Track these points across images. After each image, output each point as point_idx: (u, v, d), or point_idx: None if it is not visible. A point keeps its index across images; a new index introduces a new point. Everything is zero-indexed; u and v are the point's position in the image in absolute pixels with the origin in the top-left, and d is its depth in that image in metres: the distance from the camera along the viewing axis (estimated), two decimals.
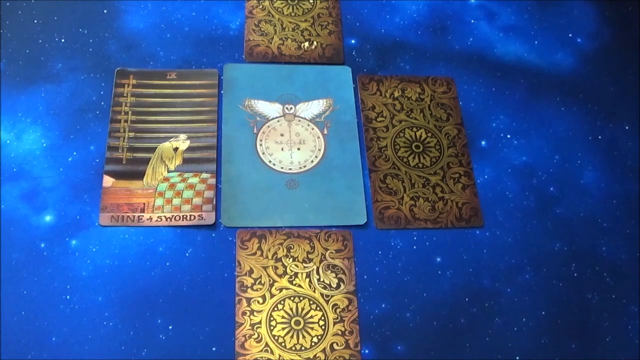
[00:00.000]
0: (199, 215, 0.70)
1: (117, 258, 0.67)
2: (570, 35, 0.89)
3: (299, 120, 0.78)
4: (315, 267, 0.68)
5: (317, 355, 0.64)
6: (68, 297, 0.64)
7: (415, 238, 0.71)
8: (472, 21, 0.88)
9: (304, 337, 0.64)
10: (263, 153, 0.75)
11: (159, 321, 0.64)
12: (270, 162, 0.74)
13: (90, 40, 0.80)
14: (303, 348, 0.64)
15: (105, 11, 0.83)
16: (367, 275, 0.69)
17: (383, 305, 0.67)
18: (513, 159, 0.78)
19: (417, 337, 0.66)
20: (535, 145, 0.79)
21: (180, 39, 0.82)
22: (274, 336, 0.64)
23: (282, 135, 0.76)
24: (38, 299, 0.64)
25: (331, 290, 0.67)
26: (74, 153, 0.72)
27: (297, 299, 0.66)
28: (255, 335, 0.64)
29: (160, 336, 0.64)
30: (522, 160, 0.78)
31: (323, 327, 0.65)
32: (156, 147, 0.74)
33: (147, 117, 0.76)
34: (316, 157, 0.75)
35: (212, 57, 0.81)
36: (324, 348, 0.64)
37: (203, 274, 0.67)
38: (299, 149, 0.76)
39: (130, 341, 0.63)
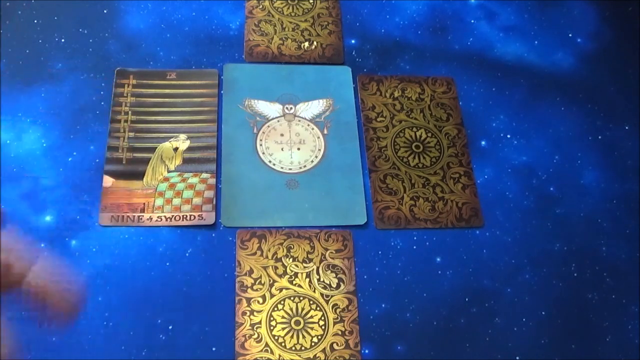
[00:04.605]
0: (199, 215, 0.70)
1: (117, 258, 0.67)
2: (570, 35, 0.89)
3: (299, 120, 0.78)
4: (315, 267, 0.68)
5: (317, 355, 0.64)
6: None
7: (415, 238, 0.71)
8: (472, 21, 0.88)
9: (304, 337, 0.64)
10: (263, 153, 0.75)
11: (159, 321, 0.64)
12: (270, 162, 0.74)
13: (90, 40, 0.80)
14: (303, 348, 0.64)
15: (105, 11, 0.83)
16: (367, 275, 0.69)
17: (383, 305, 0.67)
18: (513, 159, 0.78)
19: (417, 337, 0.66)
20: (535, 145, 0.79)
21: (180, 39, 0.82)
22: (274, 336, 0.64)
23: (282, 135, 0.77)
24: None
25: (331, 290, 0.67)
26: (74, 153, 0.72)
27: (297, 299, 0.66)
28: (255, 335, 0.64)
29: (160, 336, 0.64)
30: (522, 160, 0.78)
31: (323, 327, 0.65)
32: (156, 147, 0.74)
33: (147, 117, 0.76)
34: (316, 157, 0.75)
35: (212, 57, 0.81)
36: (324, 348, 0.64)
37: (203, 274, 0.67)
38: (299, 149, 0.76)
39: (130, 341, 0.63)
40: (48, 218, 0.68)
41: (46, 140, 0.73)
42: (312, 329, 0.65)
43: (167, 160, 0.73)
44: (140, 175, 0.72)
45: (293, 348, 0.64)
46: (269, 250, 0.69)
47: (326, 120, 0.78)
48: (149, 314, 0.64)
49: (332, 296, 0.67)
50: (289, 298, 0.66)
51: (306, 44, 0.83)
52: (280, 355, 0.63)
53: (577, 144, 0.80)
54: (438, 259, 0.70)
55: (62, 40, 0.80)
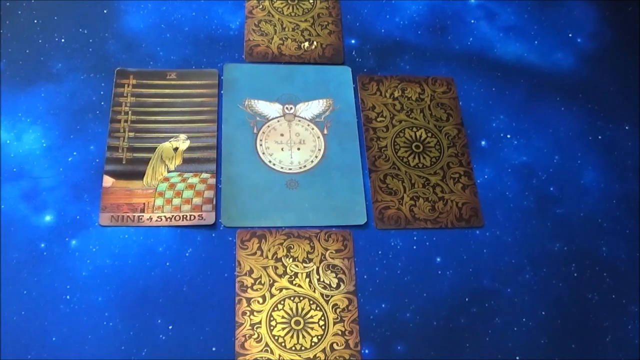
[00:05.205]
0: (199, 215, 0.70)
1: (117, 258, 0.67)
2: (570, 35, 0.89)
3: (299, 120, 0.78)
4: (315, 267, 0.68)
5: (317, 355, 0.64)
6: (68, 297, 0.64)
7: (415, 238, 0.71)
8: (472, 21, 0.88)
9: (304, 337, 0.64)
10: (263, 153, 0.75)
11: (159, 321, 0.64)
12: (270, 162, 0.74)
13: (90, 40, 0.80)
14: (303, 348, 0.64)
15: (105, 11, 0.83)
16: (367, 275, 0.69)
17: (383, 305, 0.67)
18: (513, 159, 0.78)
19: (417, 337, 0.66)
20: (535, 145, 0.79)
21: (180, 39, 0.82)
22: (274, 336, 0.64)
23: (282, 135, 0.77)
24: (38, 299, 0.64)
25: (331, 290, 0.67)
26: (74, 153, 0.72)
27: (297, 299, 0.66)
28: (255, 335, 0.64)
29: (160, 336, 0.64)
30: (522, 160, 0.78)
31: (323, 327, 0.65)
32: (156, 147, 0.74)
33: (147, 117, 0.76)
34: (316, 157, 0.75)
35: (212, 57, 0.81)
36: (324, 348, 0.64)
37: (203, 274, 0.67)
38: (299, 149, 0.76)
39: (130, 341, 0.63)
40: (48, 218, 0.68)
41: (46, 140, 0.73)
42: (312, 329, 0.65)
43: (167, 160, 0.73)
44: (140, 175, 0.72)
45: (293, 348, 0.64)
46: (269, 250, 0.69)
47: (326, 120, 0.78)
48: (149, 314, 0.64)
49: (332, 296, 0.67)
50: (289, 298, 0.66)
51: (306, 44, 0.83)
52: (280, 355, 0.63)
53: (577, 144, 0.80)
54: (438, 259, 0.70)
55: (62, 40, 0.80)
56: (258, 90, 0.79)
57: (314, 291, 0.67)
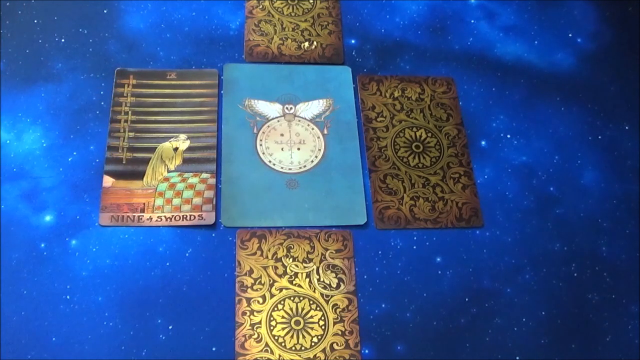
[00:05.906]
0: (199, 215, 0.70)
1: (117, 258, 0.67)
2: (570, 35, 0.89)
3: (299, 120, 0.78)
4: (315, 267, 0.68)
5: (317, 355, 0.64)
6: (68, 297, 0.64)
7: (415, 238, 0.71)
8: (472, 21, 0.88)
9: (304, 337, 0.64)
10: (263, 153, 0.75)
11: (159, 321, 0.64)
12: (270, 162, 0.74)
13: (90, 40, 0.80)
14: (303, 348, 0.64)
15: (105, 11, 0.83)
16: (367, 275, 0.69)
17: (383, 305, 0.67)
18: (513, 159, 0.78)
19: (417, 337, 0.66)
20: (535, 145, 0.79)
21: (180, 39, 0.82)
22: (274, 336, 0.64)
23: (282, 135, 0.77)
24: (38, 299, 0.64)
25: (331, 290, 0.67)
26: (74, 153, 0.72)
27: (297, 299, 0.66)
28: (255, 335, 0.64)
29: (160, 336, 0.64)
30: (522, 160, 0.78)
31: (323, 327, 0.65)
32: (156, 147, 0.74)
33: (147, 117, 0.76)
34: (316, 157, 0.75)
35: (212, 57, 0.81)
36: (324, 348, 0.64)
37: (203, 274, 0.67)
38: (299, 149, 0.76)
39: (130, 341, 0.63)
40: (48, 218, 0.69)
41: (46, 140, 0.73)
42: (312, 329, 0.65)
43: (167, 160, 0.73)
44: (140, 175, 0.72)
45: (293, 348, 0.64)
46: (269, 250, 0.69)
47: (326, 120, 0.78)
48: (149, 314, 0.64)
49: (332, 296, 0.67)
50: (289, 298, 0.66)
51: (306, 44, 0.83)
52: (280, 355, 0.63)
53: (577, 144, 0.80)
54: (438, 259, 0.70)
55: (62, 40, 0.80)
56: (258, 90, 0.79)
57: (314, 291, 0.67)
